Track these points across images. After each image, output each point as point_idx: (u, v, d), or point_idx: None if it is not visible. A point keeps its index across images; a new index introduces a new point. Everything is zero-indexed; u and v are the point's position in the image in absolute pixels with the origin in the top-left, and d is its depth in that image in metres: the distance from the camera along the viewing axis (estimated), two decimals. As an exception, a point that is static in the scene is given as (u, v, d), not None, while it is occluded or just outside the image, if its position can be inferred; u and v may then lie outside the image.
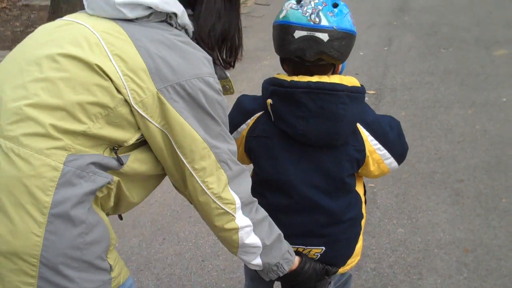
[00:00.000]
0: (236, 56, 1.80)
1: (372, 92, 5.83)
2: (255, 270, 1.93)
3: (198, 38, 1.66)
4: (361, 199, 2.04)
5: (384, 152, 1.95)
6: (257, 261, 1.81)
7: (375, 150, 1.93)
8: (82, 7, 1.64)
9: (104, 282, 1.52)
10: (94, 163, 1.46)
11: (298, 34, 1.80)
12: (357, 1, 9.19)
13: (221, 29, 1.69)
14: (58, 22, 1.60)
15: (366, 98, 1.97)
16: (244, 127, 1.97)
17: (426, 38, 7.39)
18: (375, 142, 1.92)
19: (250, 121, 1.96)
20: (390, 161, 1.98)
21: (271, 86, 1.88)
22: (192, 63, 1.52)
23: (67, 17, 1.62)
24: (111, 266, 1.56)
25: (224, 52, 1.76)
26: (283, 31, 1.84)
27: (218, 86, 1.59)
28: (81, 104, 1.43)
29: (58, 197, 1.39)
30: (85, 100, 1.43)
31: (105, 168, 1.49)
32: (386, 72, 6.34)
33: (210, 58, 1.60)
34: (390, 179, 4.29)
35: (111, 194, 1.56)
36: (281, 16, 1.87)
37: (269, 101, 1.88)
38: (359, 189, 2.04)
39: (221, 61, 1.75)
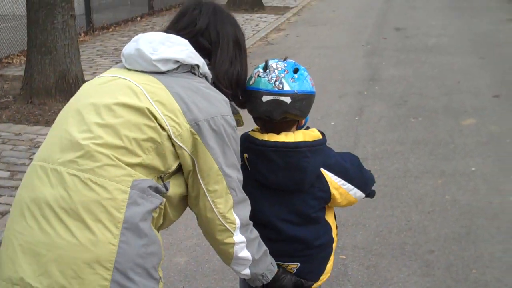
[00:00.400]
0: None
1: (343, 162, 5.87)
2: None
3: (216, 81, 2.13)
4: (330, 227, 2.41)
5: (348, 185, 2.32)
6: (246, 271, 2.19)
7: (340, 186, 2.31)
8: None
9: None
10: (150, 187, 1.90)
11: (265, 98, 2.20)
12: (328, 71, 9.34)
13: (235, 73, 2.18)
14: (104, 78, 2.05)
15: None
16: None
17: (396, 107, 7.51)
18: (339, 179, 2.30)
19: None
20: (355, 192, 2.36)
21: (246, 142, 2.26)
22: (214, 104, 1.98)
23: (109, 73, 2.07)
24: (160, 278, 1.95)
25: (239, 92, 2.25)
26: (253, 96, 2.23)
27: (234, 123, 2.04)
28: (136, 140, 1.87)
29: (128, 214, 1.82)
30: (139, 138, 1.88)
31: (158, 191, 1.93)
32: (357, 142, 6.41)
33: (227, 100, 2.05)
34: (361, 250, 4.29)
35: (161, 214, 1.98)
36: (250, 82, 2.25)
37: (246, 155, 2.26)
38: (329, 218, 2.40)
39: (237, 103, 2.26)
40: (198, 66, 2.05)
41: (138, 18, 14.32)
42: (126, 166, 1.85)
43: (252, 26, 13.63)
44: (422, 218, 4.75)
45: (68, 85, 7.41)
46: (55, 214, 1.82)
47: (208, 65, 2.11)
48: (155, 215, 1.94)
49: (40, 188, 1.86)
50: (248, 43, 11.57)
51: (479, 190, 5.23)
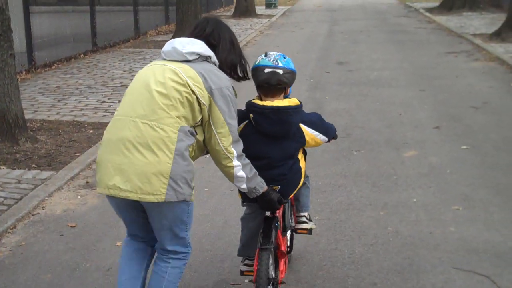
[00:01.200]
0: (247, 74, 3.68)
1: (287, 196, 5.88)
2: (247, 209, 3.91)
3: (221, 66, 3.46)
4: (299, 161, 3.75)
5: (315, 132, 3.70)
6: (244, 186, 3.46)
7: (310, 133, 3.68)
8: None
9: (190, 194, 3.23)
10: (189, 131, 3.21)
11: (266, 70, 3.57)
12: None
13: (231, 60, 3.54)
14: (153, 66, 3.38)
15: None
16: (240, 126, 3.60)
17: (339, 141, 7.55)
18: (310, 129, 3.68)
19: (241, 125, 3.62)
20: (320, 136, 3.72)
21: (251, 107, 3.60)
22: (221, 79, 3.32)
23: (156, 63, 3.39)
24: (193, 188, 3.29)
25: (239, 72, 3.63)
26: (258, 70, 3.59)
27: (234, 92, 3.38)
28: (179, 100, 3.18)
29: (177, 146, 3.13)
30: (180, 99, 3.18)
31: (192, 134, 3.23)
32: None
33: (229, 78, 3.45)
34: (304, 285, 4.29)
35: (193, 149, 3.29)
36: (256, 62, 3.65)
37: (251, 115, 3.59)
38: (301, 157, 3.78)
39: (236, 78, 3.64)
40: (210, 57, 3.40)
41: (82, 55, 14.22)
42: (175, 117, 3.18)
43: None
44: (365, 251, 4.78)
45: (8, 125, 7.26)
46: (134, 146, 3.15)
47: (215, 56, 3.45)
48: (190, 149, 3.26)
49: (122, 131, 3.20)
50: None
51: (421, 221, 5.29)
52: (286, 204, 3.95)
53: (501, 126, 8.18)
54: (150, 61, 12.54)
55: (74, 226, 5.38)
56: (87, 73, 12.12)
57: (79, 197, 6.03)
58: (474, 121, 8.48)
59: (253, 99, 3.63)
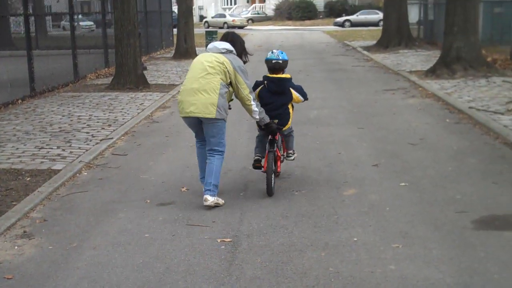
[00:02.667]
0: (247, 60, 7.26)
1: (228, 240, 5.86)
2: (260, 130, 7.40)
3: (238, 55, 7.03)
4: (289, 108, 7.32)
5: (298, 94, 7.31)
6: (257, 116, 6.94)
7: (295, 93, 7.29)
8: None
9: (225, 116, 6.86)
10: (225, 84, 6.77)
11: (274, 61, 7.23)
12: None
13: (240, 53, 7.09)
14: (204, 55, 6.98)
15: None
16: (257, 90, 7.27)
17: (280, 181, 7.62)
18: (295, 92, 7.30)
19: (258, 89, 7.29)
20: (300, 97, 7.33)
21: (265, 77, 7.26)
22: (239, 62, 6.92)
23: (206, 53, 6.98)
24: (227, 114, 6.94)
25: (244, 59, 7.18)
26: (269, 60, 7.27)
27: (245, 68, 6.97)
28: (219, 69, 6.73)
29: (220, 91, 6.70)
30: (219, 70, 6.73)
31: (226, 87, 6.78)
32: (242, 218, 6.43)
33: (241, 60, 7.05)
34: (247, 331, 4.24)
35: (227, 94, 6.86)
36: (268, 56, 7.31)
37: (265, 82, 7.24)
38: (289, 106, 7.33)
39: (244, 62, 7.12)
40: (232, 51, 6.88)
41: (19, 101, 13.97)
42: (218, 77, 6.67)
43: (137, 104, 13.61)
44: (307, 293, 4.77)
45: None
46: (199, 91, 6.66)
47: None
48: (226, 94, 6.77)
49: (192, 85, 6.73)
50: (132, 122, 11.58)
51: (361, 260, 5.33)
52: (279, 138, 7.35)
53: (438, 162, 8.35)
54: (90, 105, 12.50)
55: (10, 278, 5.23)
56: (25, 119, 11.92)
57: (16, 247, 5.88)
58: (412, 157, 8.64)
59: (267, 74, 7.34)
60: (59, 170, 8.28)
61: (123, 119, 11.91)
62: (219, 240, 5.88)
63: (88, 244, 5.92)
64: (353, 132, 10.37)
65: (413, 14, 29.76)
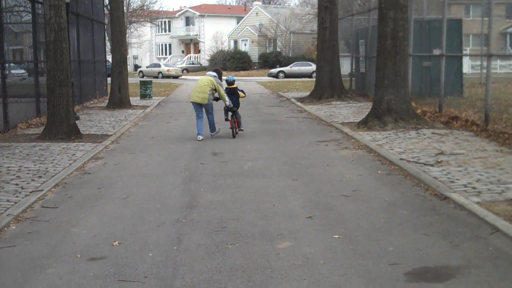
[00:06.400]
0: (221, 81, 17.06)
1: (161, 296, 5.75)
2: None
3: (218, 77, 16.65)
4: (239, 98, 16.91)
5: (243, 93, 17.24)
6: (227, 103, 16.33)
7: (241, 93, 17.05)
8: None
9: (211, 103, 16.93)
10: (212, 90, 16.18)
11: (229, 80, 17.40)
12: (146, 200, 9.30)
13: (220, 76, 16.79)
14: (203, 77, 16.86)
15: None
16: (225, 92, 16.50)
17: (214, 234, 7.55)
18: (241, 92, 17.04)
19: (225, 92, 16.49)
20: (243, 94, 17.14)
21: (227, 88, 16.91)
22: (219, 80, 16.48)
23: (206, 75, 16.84)
24: (212, 101, 16.66)
25: (220, 79, 16.89)
26: (227, 80, 17.19)
27: (222, 83, 16.83)
28: (209, 85, 16.15)
29: (209, 92, 16.13)
30: (210, 86, 16.11)
31: (212, 91, 16.23)
32: (175, 273, 6.32)
33: (220, 81, 16.74)
34: None
35: (212, 95, 16.29)
36: (227, 78, 17.45)
37: (226, 89, 16.95)
38: (241, 96, 17.01)
39: (221, 81, 16.95)
40: (216, 76, 16.42)
41: None
42: (208, 87, 16.05)
43: (69, 155, 13.34)
44: None
45: None
46: (200, 91, 16.13)
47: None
48: (212, 94, 16.21)
49: (197, 89, 16.29)
50: (63, 173, 11.33)
51: (296, 315, 5.29)
52: (235, 115, 16.51)
53: (371, 213, 8.44)
54: (20, 156, 12.15)
55: None
56: (-50, 170, 11.54)
57: None
58: (346, 209, 8.71)
59: (227, 86, 16.79)
60: (-15, 224, 8.01)
61: (54, 170, 11.65)
62: (151, 296, 5.75)
63: None
64: (288, 184, 10.41)
65: (346, 66, 30.42)
